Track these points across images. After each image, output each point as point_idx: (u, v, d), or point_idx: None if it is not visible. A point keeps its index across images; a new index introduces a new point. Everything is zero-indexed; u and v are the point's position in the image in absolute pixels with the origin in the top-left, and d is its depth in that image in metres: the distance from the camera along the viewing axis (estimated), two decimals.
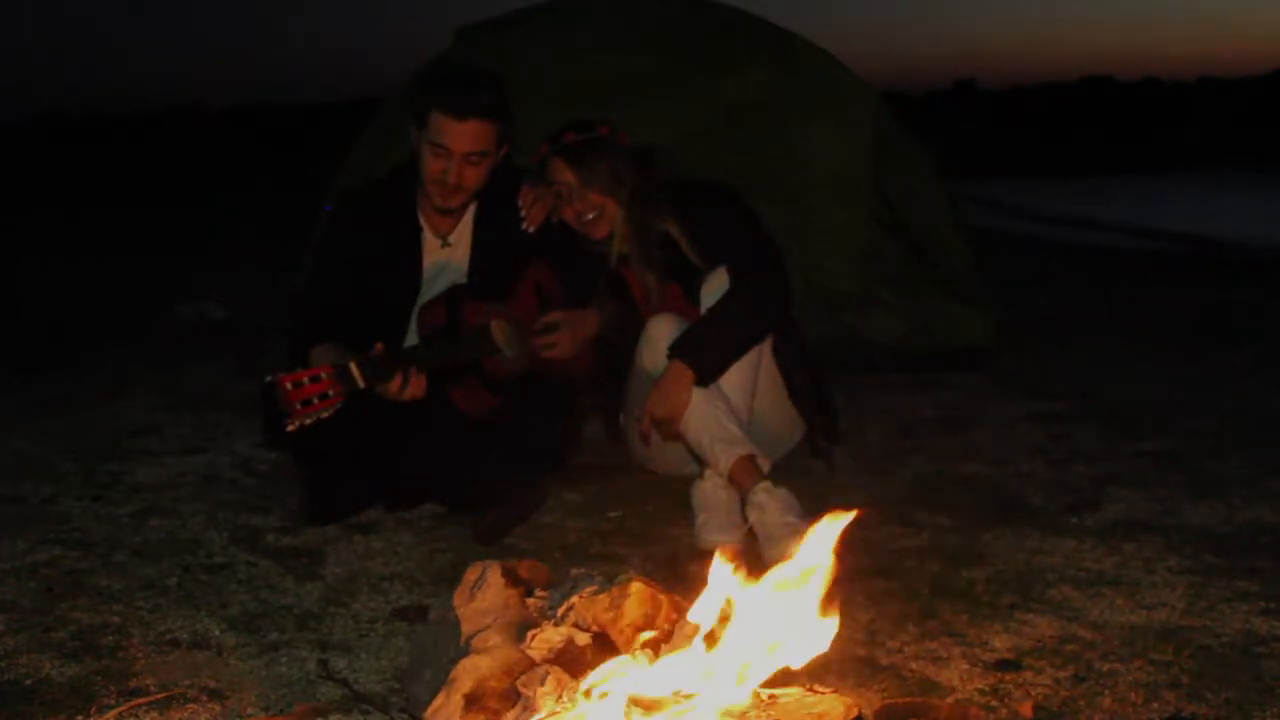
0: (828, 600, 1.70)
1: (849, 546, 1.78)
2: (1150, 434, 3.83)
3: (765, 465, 2.79)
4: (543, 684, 1.72)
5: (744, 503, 2.78)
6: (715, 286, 2.93)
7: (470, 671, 1.77)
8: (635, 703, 1.65)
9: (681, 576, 2.63)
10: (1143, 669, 2.15)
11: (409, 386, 2.78)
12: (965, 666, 2.17)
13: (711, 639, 1.74)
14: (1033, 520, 3.01)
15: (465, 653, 1.81)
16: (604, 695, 1.66)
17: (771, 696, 1.72)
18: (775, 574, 1.74)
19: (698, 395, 2.82)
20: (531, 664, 1.78)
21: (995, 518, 3.02)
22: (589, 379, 3.24)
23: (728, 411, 2.84)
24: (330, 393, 2.64)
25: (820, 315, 4.48)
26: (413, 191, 3.14)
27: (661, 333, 2.91)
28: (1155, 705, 2.01)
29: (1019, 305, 5.96)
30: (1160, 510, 3.08)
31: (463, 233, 3.18)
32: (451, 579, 2.12)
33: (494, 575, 1.93)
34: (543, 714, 1.69)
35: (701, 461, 2.89)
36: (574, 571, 1.97)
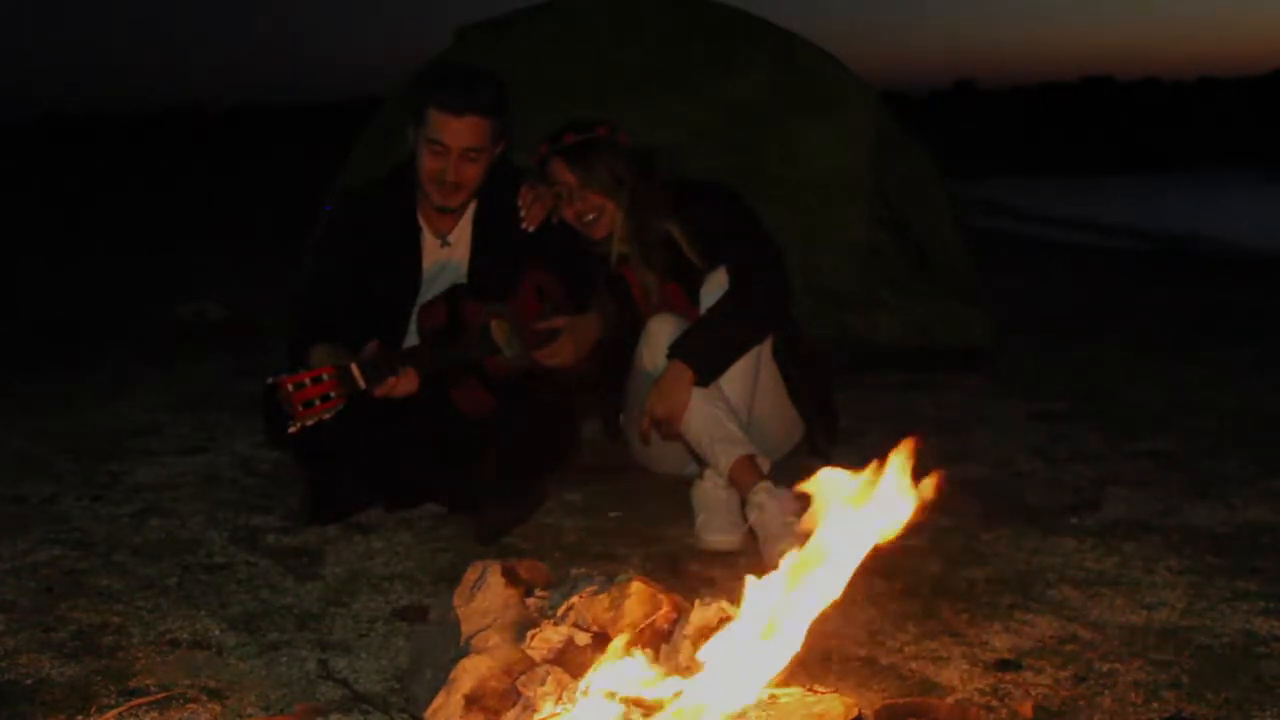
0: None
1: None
2: (1150, 434, 3.83)
3: (765, 465, 2.79)
4: (543, 684, 1.73)
5: (744, 503, 2.78)
6: (715, 287, 2.93)
7: (470, 671, 1.77)
8: (635, 703, 1.65)
9: (681, 576, 2.63)
10: (1143, 669, 2.15)
11: (399, 381, 2.78)
12: (965, 666, 2.17)
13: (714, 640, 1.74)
14: (1033, 520, 3.01)
15: (465, 653, 1.81)
16: (604, 696, 1.66)
17: (772, 696, 1.72)
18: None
19: (697, 395, 2.82)
20: (531, 664, 1.78)
21: (995, 518, 3.02)
22: (589, 380, 3.24)
23: (727, 411, 2.84)
24: (332, 394, 2.64)
25: (820, 315, 4.48)
26: (412, 191, 3.14)
27: (661, 333, 2.92)
28: (1155, 705, 2.01)
29: (1019, 305, 5.97)
30: (1160, 510, 3.08)
31: (462, 232, 3.18)
32: (451, 579, 2.12)
33: (494, 575, 1.93)
34: (543, 714, 1.69)
35: (701, 461, 2.89)
36: (574, 571, 1.97)
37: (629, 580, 1.84)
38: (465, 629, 1.86)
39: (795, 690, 1.74)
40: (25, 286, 7.63)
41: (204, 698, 2.06)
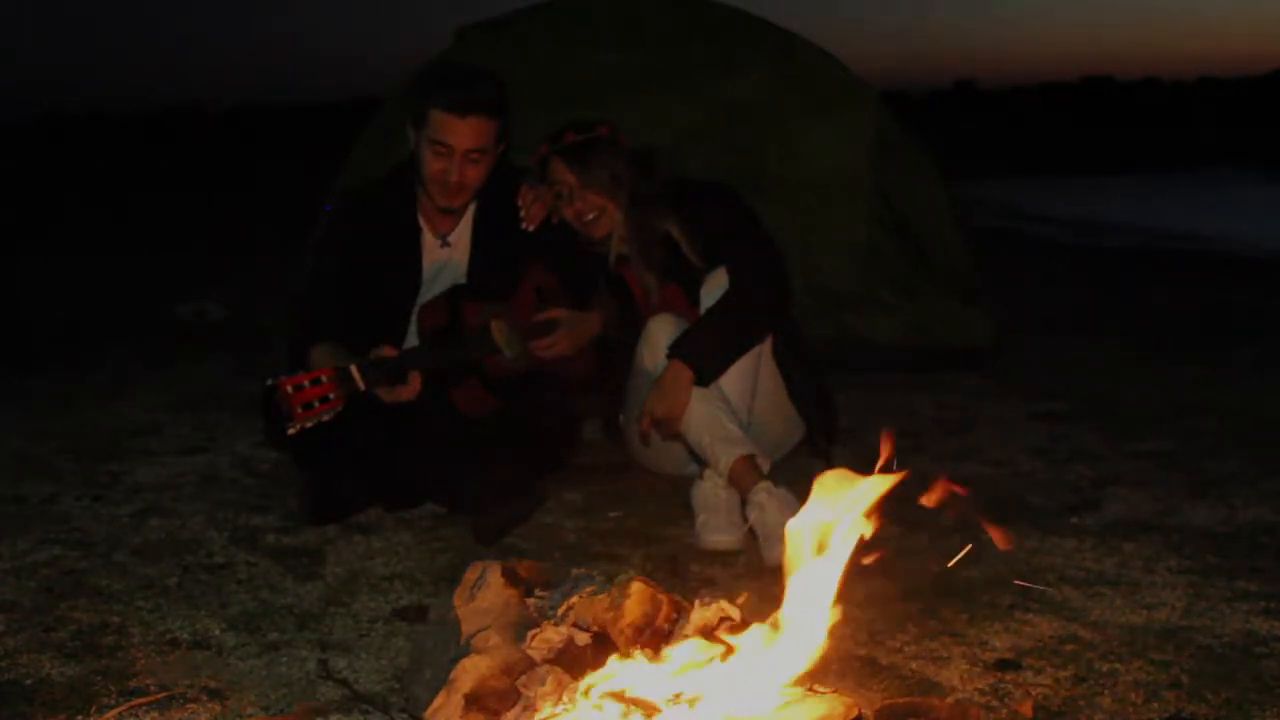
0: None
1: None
2: (1150, 434, 3.83)
3: (765, 465, 2.79)
4: (543, 684, 1.73)
5: (744, 503, 2.78)
6: (715, 287, 2.93)
7: (470, 671, 1.77)
8: (636, 704, 1.65)
9: (681, 576, 2.63)
10: (1143, 669, 2.15)
11: (404, 389, 2.79)
12: (965, 666, 2.17)
13: (715, 642, 1.74)
14: (1033, 520, 3.01)
15: (465, 653, 1.80)
16: (604, 696, 1.66)
17: None
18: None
19: (697, 395, 2.82)
20: (531, 664, 1.78)
21: (995, 518, 3.02)
22: (589, 381, 3.24)
23: (727, 411, 2.84)
24: (331, 395, 2.64)
25: (820, 315, 4.48)
26: (412, 192, 3.14)
27: (661, 333, 2.91)
28: (1155, 705, 2.01)
29: (1019, 305, 5.97)
30: (1160, 510, 3.08)
31: (462, 233, 3.18)
32: (451, 579, 2.12)
33: (494, 575, 1.92)
34: (543, 714, 1.69)
35: (701, 461, 2.89)
36: (574, 571, 1.96)
37: (629, 580, 1.84)
38: (465, 629, 1.86)
39: (795, 690, 1.74)
40: (25, 286, 7.63)
41: (204, 698, 2.06)
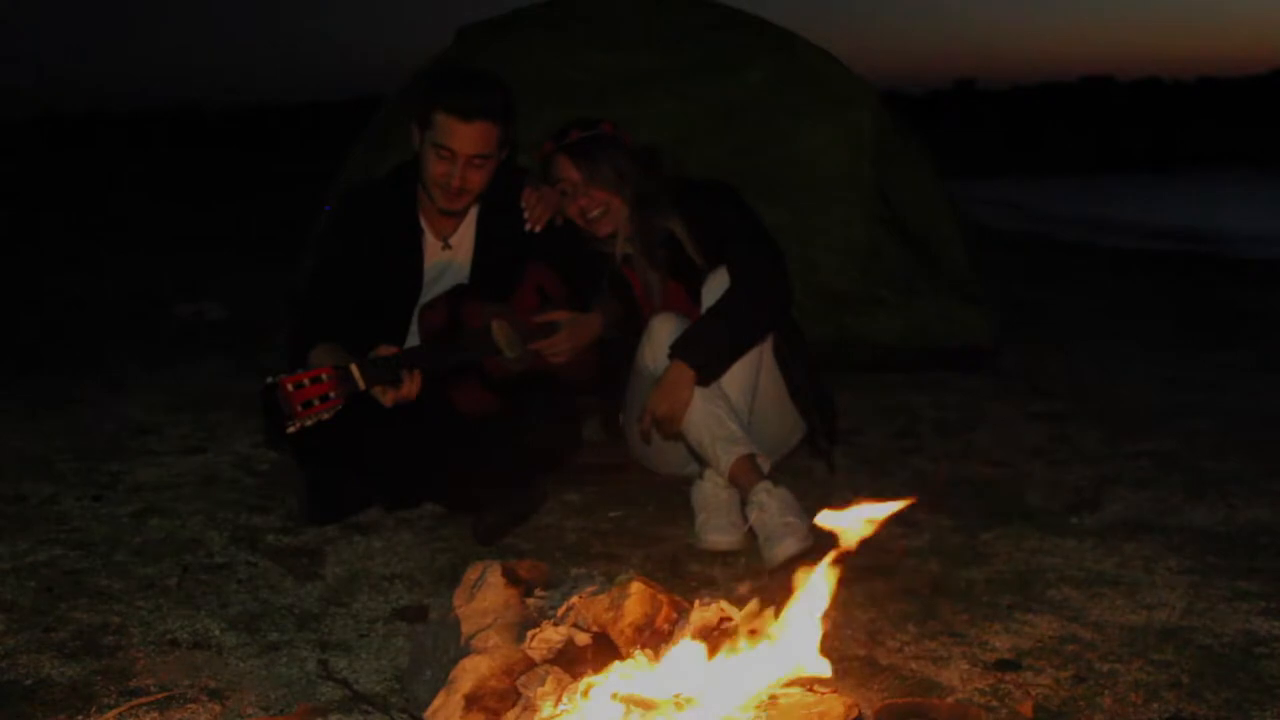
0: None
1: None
2: (1150, 434, 3.83)
3: (765, 465, 2.79)
4: (543, 684, 1.73)
5: (744, 503, 2.78)
6: (716, 286, 2.93)
7: (470, 671, 1.77)
8: (636, 704, 1.65)
9: (681, 576, 2.64)
10: (1143, 669, 2.15)
11: (402, 389, 2.78)
12: (965, 666, 2.17)
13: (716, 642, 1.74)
14: (1033, 520, 3.01)
15: (465, 653, 1.81)
16: (604, 696, 1.66)
17: (772, 696, 1.72)
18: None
19: (698, 394, 2.82)
20: (531, 664, 1.78)
21: (995, 518, 3.02)
22: (589, 382, 3.24)
23: (728, 411, 2.84)
24: (331, 394, 2.64)
25: (820, 315, 4.48)
26: (414, 192, 3.13)
27: (663, 332, 2.91)
28: (1155, 705, 2.01)
29: (1019, 305, 5.96)
30: (1160, 510, 3.08)
31: (465, 234, 3.18)
32: (451, 579, 2.12)
33: (494, 575, 1.93)
34: (543, 714, 1.69)
35: (701, 461, 2.89)
36: (574, 571, 1.97)
37: (629, 580, 1.84)
38: (465, 629, 1.86)
39: (795, 690, 1.74)
40: (25, 286, 7.63)
41: (204, 698, 2.06)
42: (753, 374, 2.95)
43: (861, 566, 2.61)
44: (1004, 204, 15.02)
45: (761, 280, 2.92)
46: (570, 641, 1.80)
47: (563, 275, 3.23)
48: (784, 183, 4.65)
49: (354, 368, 2.70)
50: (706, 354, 2.84)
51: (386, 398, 2.79)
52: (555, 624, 1.82)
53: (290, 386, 2.61)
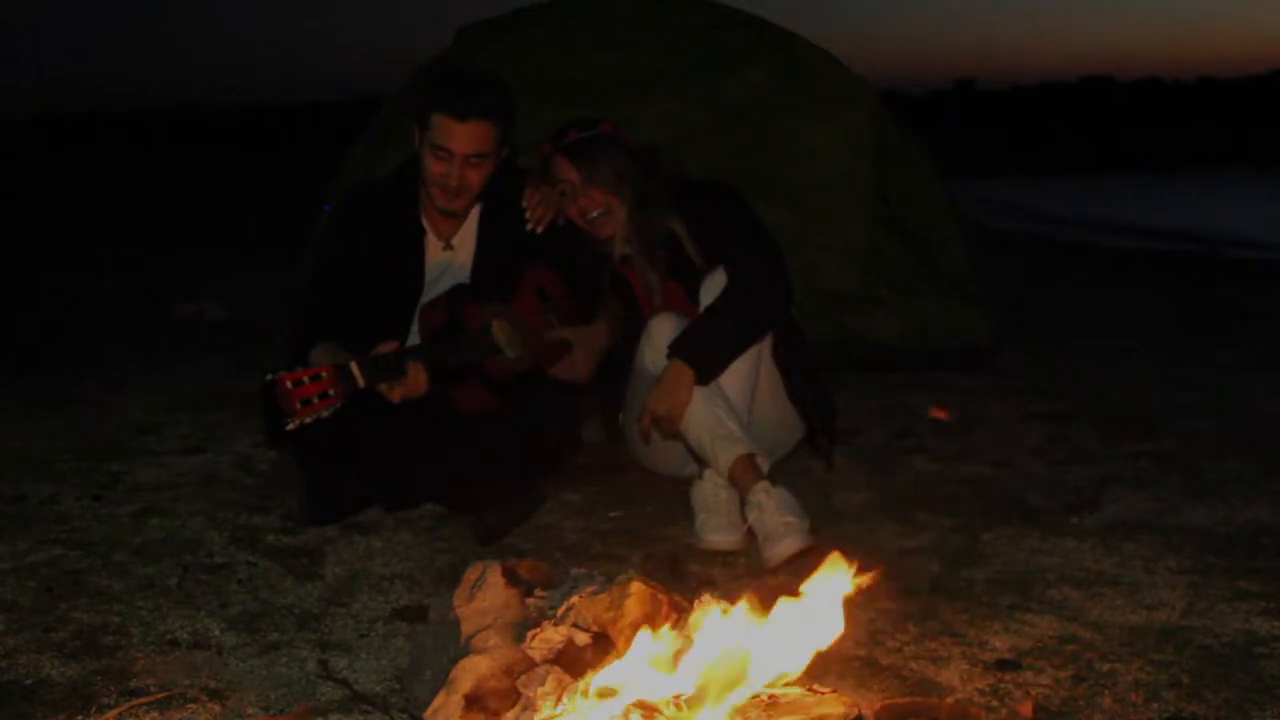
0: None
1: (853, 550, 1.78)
2: (1150, 434, 3.83)
3: (765, 465, 2.79)
4: (543, 684, 1.73)
5: (744, 502, 2.78)
6: (714, 285, 2.93)
7: (470, 671, 1.77)
8: (636, 704, 1.65)
9: (681, 576, 2.63)
10: (1143, 669, 2.15)
11: (408, 384, 2.78)
12: (965, 666, 2.17)
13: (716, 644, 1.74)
14: (1033, 520, 3.01)
15: (465, 653, 1.81)
16: (605, 696, 1.66)
17: (772, 697, 1.72)
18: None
19: (698, 394, 2.82)
20: (531, 664, 1.78)
21: (995, 518, 3.02)
22: (589, 383, 3.24)
23: (728, 410, 2.84)
24: (331, 392, 2.64)
25: (820, 315, 4.48)
26: (415, 192, 3.13)
27: (662, 331, 2.91)
28: (1155, 705, 2.01)
29: (1019, 305, 5.97)
30: (1160, 510, 3.08)
31: (466, 235, 3.18)
32: (451, 579, 2.12)
33: (494, 575, 1.93)
34: (543, 714, 1.69)
35: (701, 461, 2.89)
36: (574, 571, 1.97)
37: (629, 580, 1.84)
38: (465, 629, 1.86)
39: (795, 690, 1.74)
40: (25, 286, 7.63)
41: (204, 698, 2.06)
42: (752, 374, 2.95)
43: (862, 567, 2.61)
44: (1004, 204, 15.02)
45: (761, 279, 2.92)
46: (570, 641, 1.80)
47: (563, 275, 3.23)
48: (784, 183, 4.65)
49: (354, 365, 2.70)
50: (706, 353, 2.84)
51: (393, 393, 2.78)
52: (555, 624, 1.82)
53: (289, 384, 2.61)
